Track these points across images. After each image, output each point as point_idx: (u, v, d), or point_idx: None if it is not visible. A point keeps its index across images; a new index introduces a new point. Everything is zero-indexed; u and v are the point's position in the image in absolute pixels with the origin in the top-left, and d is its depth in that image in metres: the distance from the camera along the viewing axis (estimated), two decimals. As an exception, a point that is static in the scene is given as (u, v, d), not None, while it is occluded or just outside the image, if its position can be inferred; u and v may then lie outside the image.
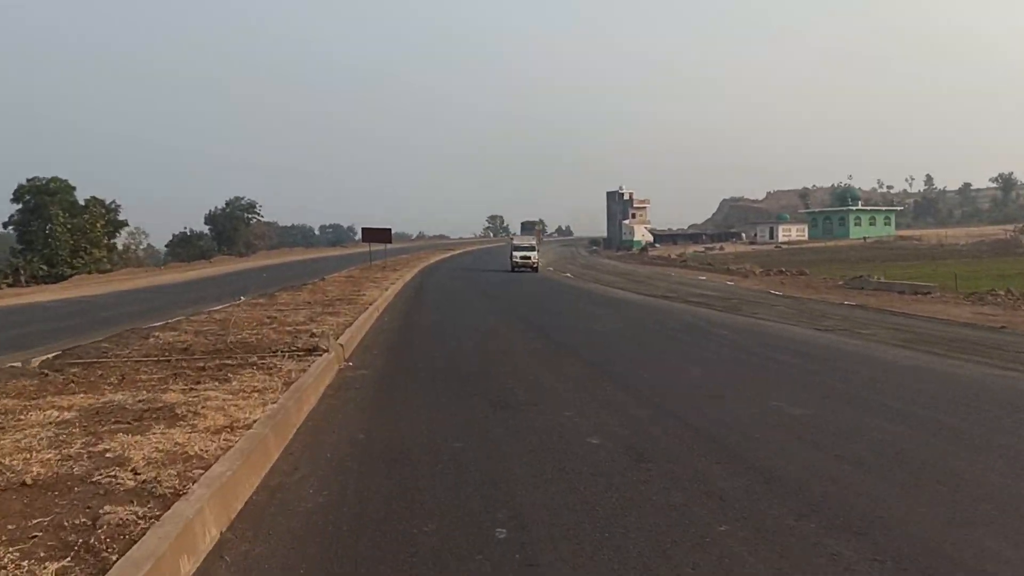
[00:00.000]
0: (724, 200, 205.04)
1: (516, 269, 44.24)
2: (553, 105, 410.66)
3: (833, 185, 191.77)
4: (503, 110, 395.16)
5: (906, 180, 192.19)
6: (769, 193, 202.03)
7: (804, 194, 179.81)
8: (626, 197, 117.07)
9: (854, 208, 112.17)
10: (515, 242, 49.73)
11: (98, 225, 55.36)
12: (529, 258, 45.02)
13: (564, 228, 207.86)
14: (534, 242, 48.58)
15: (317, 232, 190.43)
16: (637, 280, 39.15)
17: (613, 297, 27.56)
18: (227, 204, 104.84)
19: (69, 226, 53.45)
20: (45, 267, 49.52)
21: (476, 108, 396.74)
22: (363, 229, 46.01)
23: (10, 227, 60.92)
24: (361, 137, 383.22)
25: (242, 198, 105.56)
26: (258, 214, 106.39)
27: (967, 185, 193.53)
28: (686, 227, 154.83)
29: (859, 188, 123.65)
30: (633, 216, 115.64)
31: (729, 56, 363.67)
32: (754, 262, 51.34)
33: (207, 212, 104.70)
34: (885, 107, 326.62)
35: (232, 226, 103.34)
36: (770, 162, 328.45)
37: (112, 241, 65.30)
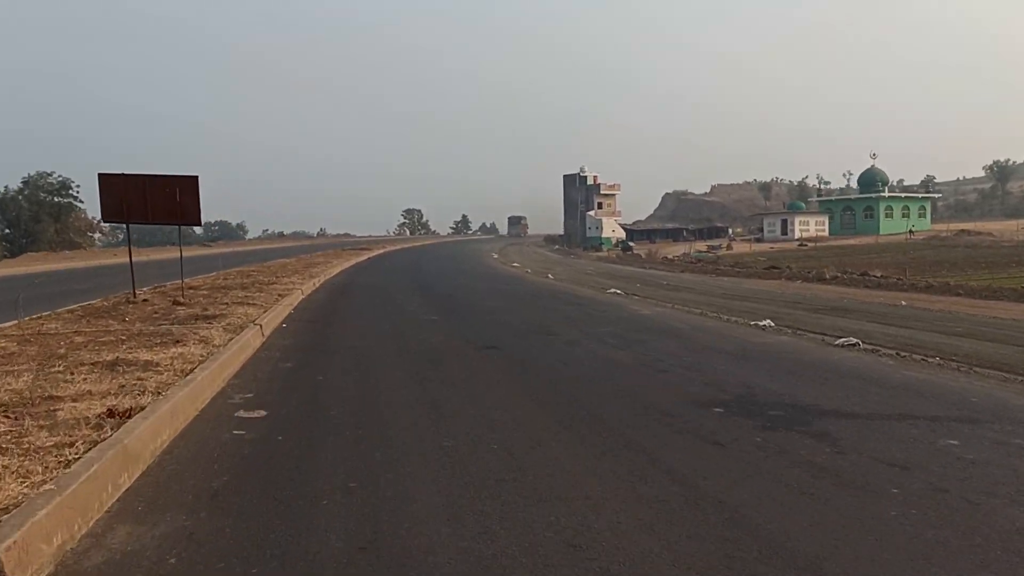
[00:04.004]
0: (667, 194, 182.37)
1: None
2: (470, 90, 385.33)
3: (773, 179, 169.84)
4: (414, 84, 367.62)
5: (843, 175, 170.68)
6: (714, 187, 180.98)
7: (765, 187, 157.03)
8: (590, 182, 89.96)
9: (886, 195, 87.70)
10: None
11: None
12: None
13: (489, 225, 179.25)
14: None
15: (198, 230, 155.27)
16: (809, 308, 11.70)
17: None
18: (24, 183, 71.40)
19: None
20: None
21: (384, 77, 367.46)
22: (100, 177, 15.36)
23: None
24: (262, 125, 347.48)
25: (50, 174, 71.95)
26: (75, 197, 72.89)
27: (930, 178, 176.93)
28: (630, 223, 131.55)
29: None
30: (600, 206, 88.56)
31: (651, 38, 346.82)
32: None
33: (-8, 195, 71.26)
34: (829, 100, 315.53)
35: (32, 215, 70.15)
36: (700, 155, 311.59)
37: None
